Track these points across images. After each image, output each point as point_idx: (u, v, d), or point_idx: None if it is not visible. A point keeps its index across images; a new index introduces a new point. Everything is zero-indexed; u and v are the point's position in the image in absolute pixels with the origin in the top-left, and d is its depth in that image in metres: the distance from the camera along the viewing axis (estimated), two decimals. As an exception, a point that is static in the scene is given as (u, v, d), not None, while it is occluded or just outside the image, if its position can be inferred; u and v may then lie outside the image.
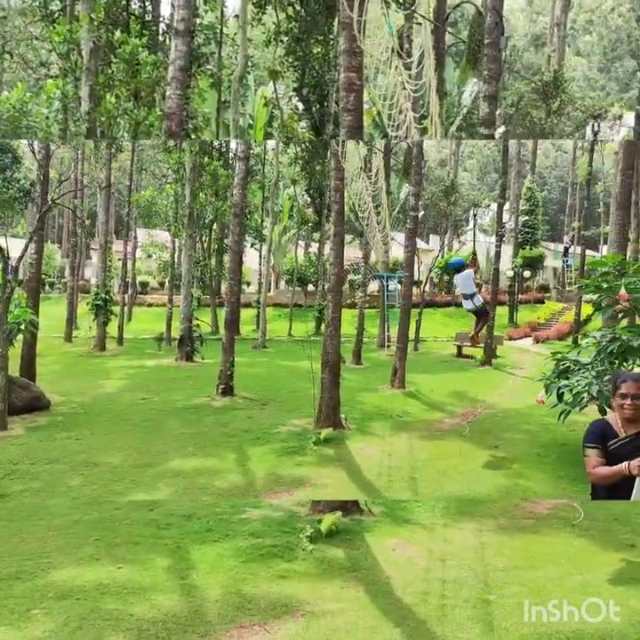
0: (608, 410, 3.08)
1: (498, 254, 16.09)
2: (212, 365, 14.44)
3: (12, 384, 8.83)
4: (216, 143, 22.73)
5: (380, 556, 4.66)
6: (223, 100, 14.60)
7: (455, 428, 8.93)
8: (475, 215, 28.03)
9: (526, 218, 29.57)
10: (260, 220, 28.30)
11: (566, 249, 29.16)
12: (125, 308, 22.63)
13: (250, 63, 13.93)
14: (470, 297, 8.32)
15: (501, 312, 22.56)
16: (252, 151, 22.21)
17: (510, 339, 21.40)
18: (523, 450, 7.79)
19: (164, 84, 8.46)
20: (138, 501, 5.82)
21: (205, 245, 26.51)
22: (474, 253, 8.16)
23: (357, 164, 10.48)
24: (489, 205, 30.07)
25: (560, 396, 6.82)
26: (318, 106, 16.38)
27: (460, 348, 18.16)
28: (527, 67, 34.04)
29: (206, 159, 19.25)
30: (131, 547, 4.76)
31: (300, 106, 17.13)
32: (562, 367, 7.08)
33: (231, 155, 26.37)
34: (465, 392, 11.62)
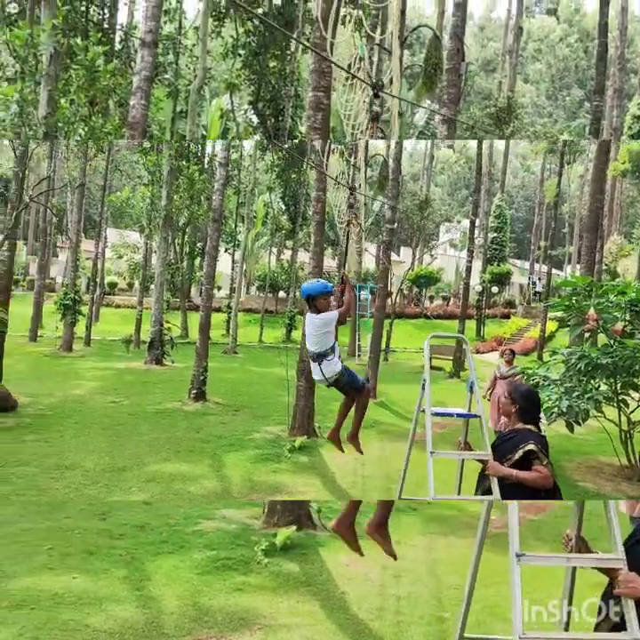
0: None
1: (469, 269, 16.54)
2: (182, 369, 14.30)
3: (-21, 384, 8.59)
4: (193, 147, 22.62)
5: (335, 571, 4.71)
6: (179, 109, 14.66)
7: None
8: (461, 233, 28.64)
9: (495, 235, 30.45)
10: (234, 225, 28.23)
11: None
12: (93, 309, 22.17)
13: (207, 75, 14.06)
14: (322, 357, 3.67)
15: (470, 325, 23.09)
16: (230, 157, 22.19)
17: (477, 352, 21.93)
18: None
19: (120, 91, 8.48)
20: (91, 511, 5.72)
21: (178, 248, 26.28)
22: (343, 278, 4.05)
23: (338, 176, 10.69)
24: (460, 221, 30.84)
25: (529, 410, 7.07)
26: (273, 120, 16.63)
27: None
28: (478, 91, 35.24)
29: (184, 162, 19.16)
30: (85, 557, 4.68)
31: (255, 119, 17.31)
32: (531, 382, 7.36)
33: (207, 159, 26.29)
34: (435, 403, 11.88)
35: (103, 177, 21.42)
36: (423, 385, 3.85)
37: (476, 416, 3.69)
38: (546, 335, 19.44)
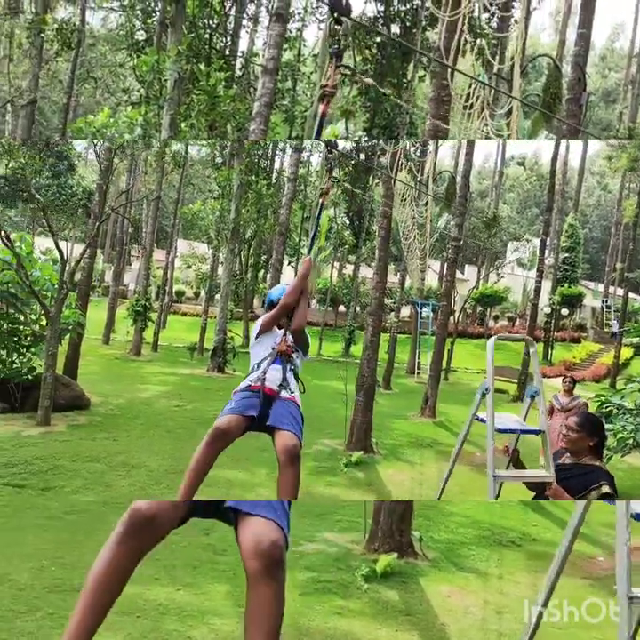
0: None
1: (538, 290, 15.95)
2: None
3: (57, 382, 9.15)
4: (262, 163, 23.33)
5: (435, 602, 4.59)
6: (294, 135, 15.12)
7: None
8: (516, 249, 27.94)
9: (566, 255, 29.24)
10: (298, 239, 28.74)
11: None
12: (161, 316, 23.15)
13: None
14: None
15: (537, 348, 22.18)
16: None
17: (544, 376, 20.99)
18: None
19: (238, 116, 8.79)
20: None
21: (244, 260, 27.04)
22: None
23: (405, 192, 10.64)
24: (529, 240, 29.88)
25: (601, 440, 6.69)
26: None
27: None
28: (596, 122, 33.87)
29: (253, 177, 19.77)
30: (189, 570, 4.78)
31: None
32: (604, 410, 6.97)
33: (275, 174, 27.01)
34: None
35: (177, 190, 22.45)
36: (484, 394, 3.38)
37: (539, 431, 3.42)
38: (620, 362, 18.35)
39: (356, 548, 5.58)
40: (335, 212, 28.81)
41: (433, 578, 5.07)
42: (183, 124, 8.05)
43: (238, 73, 13.33)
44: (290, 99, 14.65)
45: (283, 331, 2.74)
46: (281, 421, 2.32)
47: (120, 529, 1.56)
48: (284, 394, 2.54)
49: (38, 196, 9.84)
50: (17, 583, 4.26)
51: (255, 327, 2.73)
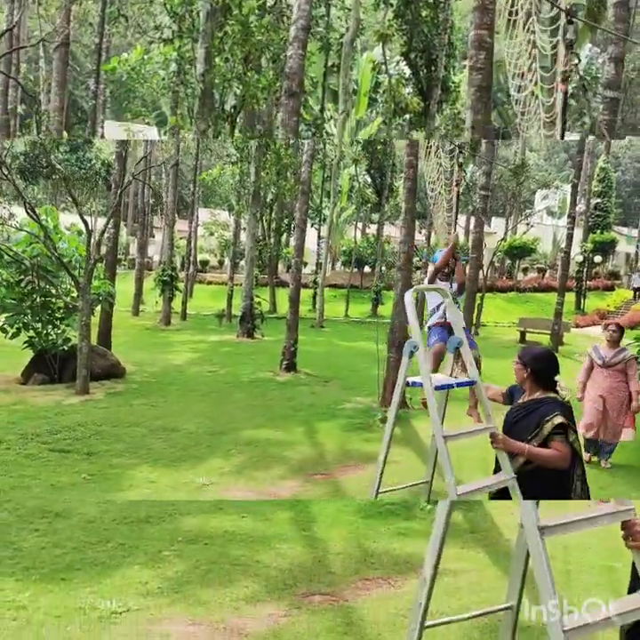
0: None
1: (570, 237, 15.39)
2: (272, 342, 14.68)
3: (92, 352, 9.31)
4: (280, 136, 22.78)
5: (499, 519, 4.62)
6: (330, 63, 14.46)
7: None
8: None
9: (598, 200, 28.10)
10: (319, 201, 28.27)
11: None
12: (187, 285, 23.30)
13: (359, 26, 13.62)
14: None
15: (569, 298, 21.65)
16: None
17: (577, 326, 20.57)
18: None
19: (273, 47, 8.45)
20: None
21: (266, 225, 26.81)
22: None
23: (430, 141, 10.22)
24: (559, 187, 28.74)
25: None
26: (425, 71, 15.95)
27: (523, 333, 17.64)
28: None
29: (271, 138, 19.33)
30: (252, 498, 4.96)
31: (407, 71, 16.74)
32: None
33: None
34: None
35: (194, 156, 22.17)
36: (412, 353, 3.16)
37: (472, 382, 3.27)
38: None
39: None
40: (356, 170, 28.14)
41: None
42: (218, 59, 7.77)
43: (270, 2, 12.73)
44: (324, 25, 13.86)
45: (446, 282, 5.03)
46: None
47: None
48: None
49: (59, 167, 9.78)
50: (86, 516, 4.44)
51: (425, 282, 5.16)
